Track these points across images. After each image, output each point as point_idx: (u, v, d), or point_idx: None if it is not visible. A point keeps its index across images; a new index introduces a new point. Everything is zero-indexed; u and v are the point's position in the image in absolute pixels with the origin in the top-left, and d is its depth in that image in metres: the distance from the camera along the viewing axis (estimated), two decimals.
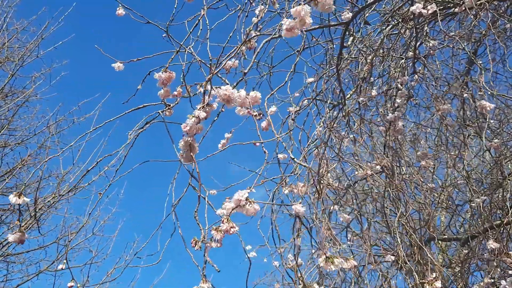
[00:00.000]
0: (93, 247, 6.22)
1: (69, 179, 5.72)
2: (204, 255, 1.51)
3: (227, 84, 1.80)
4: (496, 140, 3.07)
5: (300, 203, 1.59)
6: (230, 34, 2.15)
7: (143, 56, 1.93)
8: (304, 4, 1.36)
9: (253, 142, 2.03)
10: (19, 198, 1.99)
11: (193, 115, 1.62)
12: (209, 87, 1.67)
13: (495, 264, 2.56)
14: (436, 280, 2.25)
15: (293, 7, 1.40)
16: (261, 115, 2.13)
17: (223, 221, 1.46)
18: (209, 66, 1.86)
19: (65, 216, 6.15)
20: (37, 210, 5.32)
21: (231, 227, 1.46)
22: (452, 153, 4.14)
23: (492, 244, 2.70)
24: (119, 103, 10.46)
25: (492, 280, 2.90)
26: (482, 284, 3.04)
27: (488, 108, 2.57)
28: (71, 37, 7.24)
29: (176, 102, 1.99)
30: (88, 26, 13.41)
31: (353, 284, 3.73)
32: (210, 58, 1.89)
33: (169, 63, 1.86)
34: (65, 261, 2.51)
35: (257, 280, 6.40)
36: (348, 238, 3.88)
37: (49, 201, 5.52)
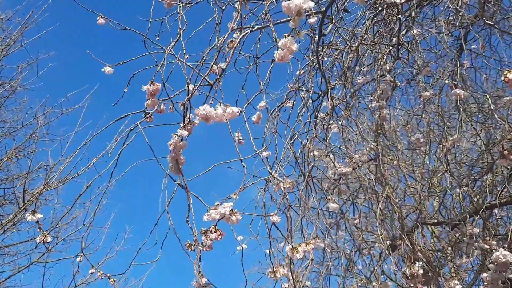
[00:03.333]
0: (84, 239, 6.20)
1: (58, 170, 5.69)
2: (196, 256, 1.73)
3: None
4: (454, 137, 3.10)
5: (276, 213, 1.90)
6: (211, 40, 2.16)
7: (129, 59, 2.12)
8: (289, 36, 1.53)
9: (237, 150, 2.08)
10: (33, 215, 2.21)
11: (176, 134, 1.79)
12: (189, 106, 1.82)
13: (473, 247, 2.65)
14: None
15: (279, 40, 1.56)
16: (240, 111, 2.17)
17: (211, 230, 1.68)
18: (193, 69, 1.96)
19: (54, 208, 6.14)
20: (25, 202, 5.29)
21: (219, 235, 1.70)
22: (442, 139, 4.14)
23: (471, 230, 2.77)
24: (107, 94, 10.37)
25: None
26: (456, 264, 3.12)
27: (462, 97, 2.70)
28: (55, 27, 7.14)
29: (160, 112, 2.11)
30: (72, 16, 13.24)
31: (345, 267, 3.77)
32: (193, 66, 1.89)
33: (155, 74, 1.98)
34: (81, 254, 2.57)
35: (252, 268, 6.46)
36: (346, 226, 3.87)
37: (37, 192, 5.49)
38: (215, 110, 1.77)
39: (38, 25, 6.51)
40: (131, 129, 2.03)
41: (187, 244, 1.82)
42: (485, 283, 2.21)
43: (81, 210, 6.27)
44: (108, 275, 2.45)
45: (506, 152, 2.04)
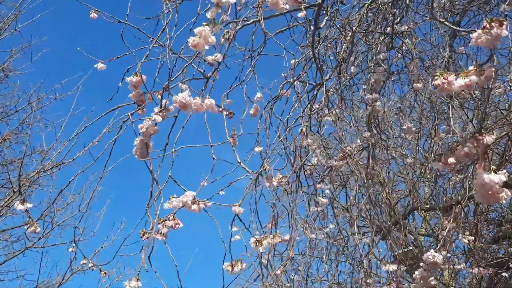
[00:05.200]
0: (79, 225, 6.23)
1: (52, 155, 5.69)
2: (147, 246, 1.69)
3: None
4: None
5: (239, 205, 1.85)
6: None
7: (122, 54, 2.16)
8: (206, 26, 1.57)
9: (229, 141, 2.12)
10: (22, 204, 2.20)
11: (150, 118, 1.79)
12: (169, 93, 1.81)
13: (447, 239, 2.74)
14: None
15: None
16: (232, 114, 2.21)
17: (169, 218, 1.68)
18: (188, 62, 1.91)
19: (50, 193, 6.14)
20: (21, 186, 5.28)
21: (176, 224, 1.71)
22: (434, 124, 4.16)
23: (445, 223, 2.84)
24: (100, 80, 10.29)
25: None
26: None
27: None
28: (50, 11, 7.05)
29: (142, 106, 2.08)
30: (66, 1, 13.02)
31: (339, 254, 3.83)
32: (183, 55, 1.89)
33: (139, 66, 1.96)
34: (73, 245, 2.55)
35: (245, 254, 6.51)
36: (335, 212, 3.92)
37: (32, 177, 5.48)
38: (194, 99, 1.77)
39: (32, 10, 6.42)
40: (124, 121, 2.05)
41: (142, 232, 1.78)
42: (416, 281, 2.29)
43: (76, 196, 6.30)
44: (100, 266, 2.43)
45: (443, 156, 1.94)
